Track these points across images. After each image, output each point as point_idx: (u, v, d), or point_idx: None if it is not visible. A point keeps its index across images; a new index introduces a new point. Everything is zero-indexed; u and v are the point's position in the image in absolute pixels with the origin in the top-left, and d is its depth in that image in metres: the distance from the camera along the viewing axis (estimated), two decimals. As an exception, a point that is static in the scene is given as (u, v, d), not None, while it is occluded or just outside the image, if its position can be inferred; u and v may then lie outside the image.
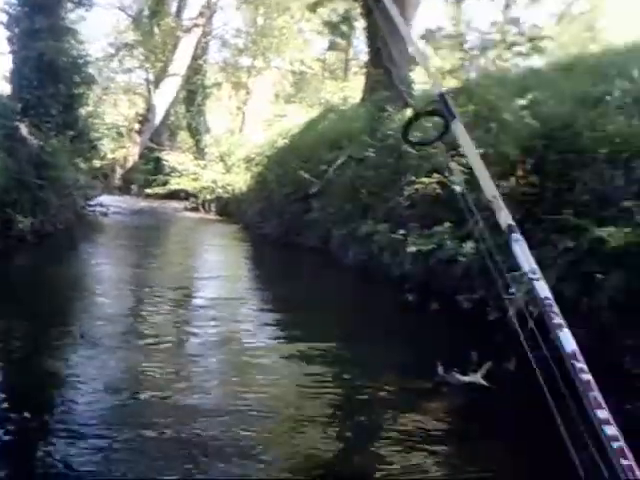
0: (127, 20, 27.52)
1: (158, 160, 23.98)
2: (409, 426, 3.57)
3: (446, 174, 6.44)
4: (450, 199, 5.70)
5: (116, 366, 4.38)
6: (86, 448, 3.04)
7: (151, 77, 26.94)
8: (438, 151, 5.81)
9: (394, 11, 2.41)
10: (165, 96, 24.28)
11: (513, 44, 8.85)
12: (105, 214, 14.49)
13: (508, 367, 4.14)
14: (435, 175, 7.03)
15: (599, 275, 4.64)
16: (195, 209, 19.85)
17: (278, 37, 26.87)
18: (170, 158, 22.57)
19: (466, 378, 4.05)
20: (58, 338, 4.87)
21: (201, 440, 3.24)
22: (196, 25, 24.66)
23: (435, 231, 6.59)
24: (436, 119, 1.98)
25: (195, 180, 20.43)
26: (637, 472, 1.01)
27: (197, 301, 7.04)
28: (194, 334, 5.39)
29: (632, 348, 4.44)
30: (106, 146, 20.95)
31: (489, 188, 1.61)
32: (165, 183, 22.23)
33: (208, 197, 19.68)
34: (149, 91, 26.56)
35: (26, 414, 3.33)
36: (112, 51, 27.79)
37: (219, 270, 9.55)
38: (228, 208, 17.83)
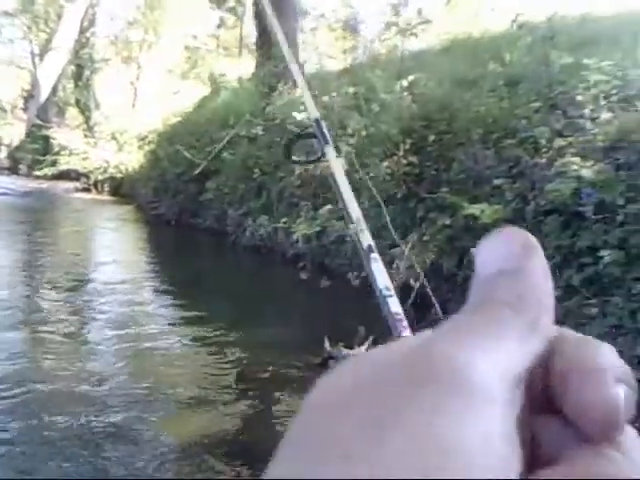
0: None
1: (46, 138, 22.93)
2: (296, 400, 3.77)
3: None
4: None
5: (5, 356, 4.31)
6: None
7: (36, 50, 25.63)
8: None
9: (269, 10, 2.53)
10: (51, 70, 23.18)
11: (400, 28, 9.12)
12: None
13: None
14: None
15: (473, 249, 5.00)
16: (87, 190, 19.20)
17: (169, 10, 26.19)
18: (59, 136, 21.65)
19: (351, 352, 4.29)
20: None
21: (94, 428, 3.30)
22: (80, -6, 23.61)
23: (319, 214, 6.79)
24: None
25: (86, 159, 19.74)
26: None
27: (92, 286, 6.93)
28: (89, 320, 5.36)
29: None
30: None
31: (354, 211, 1.74)
32: (54, 163, 21.33)
33: (100, 177, 19.08)
34: (34, 65, 25.28)
35: None
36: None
37: (113, 254, 9.39)
38: (122, 188, 17.38)
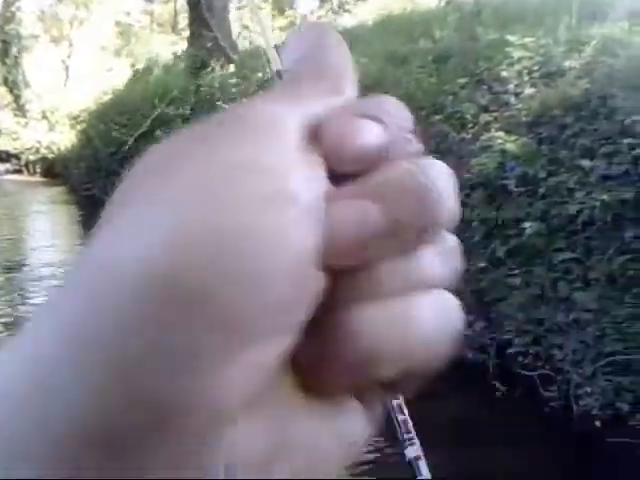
0: None
1: (-28, 118, 22.04)
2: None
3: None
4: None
5: None
6: None
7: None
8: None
9: None
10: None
11: (334, 5, 9.11)
12: None
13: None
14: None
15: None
16: (19, 171, 18.57)
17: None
18: (-14, 116, 20.82)
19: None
20: None
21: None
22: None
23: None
24: None
25: (16, 140, 19.08)
26: None
27: (32, 274, 6.71)
28: (31, 308, 5.22)
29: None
30: None
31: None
32: (-18, 143, 20.53)
33: (32, 158, 18.50)
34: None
35: None
36: None
37: (48, 239, 9.15)
38: (54, 169, 16.90)
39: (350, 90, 0.23)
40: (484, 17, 5.88)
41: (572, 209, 4.16)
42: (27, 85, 24.68)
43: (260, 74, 8.00)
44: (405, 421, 0.25)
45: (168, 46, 20.98)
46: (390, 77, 6.18)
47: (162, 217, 0.17)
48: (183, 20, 23.72)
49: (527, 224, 4.36)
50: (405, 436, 0.25)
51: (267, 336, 0.18)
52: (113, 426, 0.16)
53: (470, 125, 5.12)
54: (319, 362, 0.20)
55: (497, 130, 4.86)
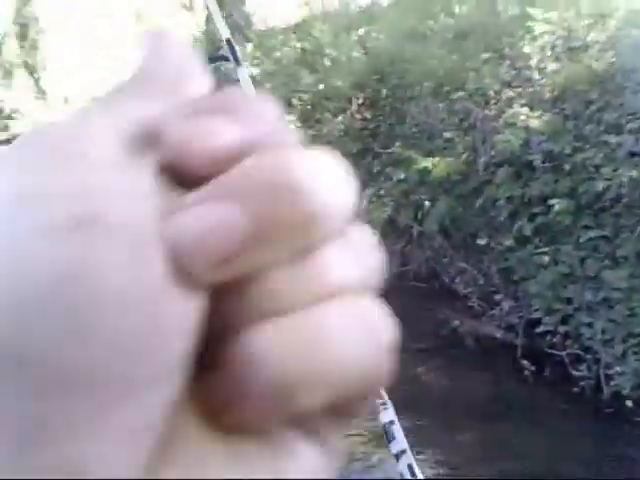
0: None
1: (-6, 102, 22.22)
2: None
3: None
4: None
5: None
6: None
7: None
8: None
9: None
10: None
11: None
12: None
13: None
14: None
15: (427, 203, 5.09)
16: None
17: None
18: (8, 99, 20.98)
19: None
20: None
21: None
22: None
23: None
24: None
25: (37, 124, 19.20)
26: None
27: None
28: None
29: (461, 271, 4.95)
30: None
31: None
32: (6, 127, 20.72)
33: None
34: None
35: None
36: None
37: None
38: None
39: (195, 90, 0.20)
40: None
41: (599, 186, 4.12)
42: (47, 68, 24.79)
43: (278, 53, 7.97)
44: None
45: (185, 28, 20.87)
46: (409, 54, 6.12)
47: None
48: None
49: (554, 201, 4.33)
50: (378, 401, 0.23)
51: (139, 388, 0.15)
52: None
53: (493, 101, 5.07)
54: (224, 398, 0.17)
55: (521, 106, 4.81)
